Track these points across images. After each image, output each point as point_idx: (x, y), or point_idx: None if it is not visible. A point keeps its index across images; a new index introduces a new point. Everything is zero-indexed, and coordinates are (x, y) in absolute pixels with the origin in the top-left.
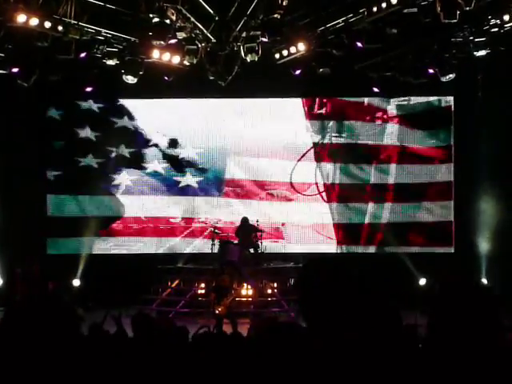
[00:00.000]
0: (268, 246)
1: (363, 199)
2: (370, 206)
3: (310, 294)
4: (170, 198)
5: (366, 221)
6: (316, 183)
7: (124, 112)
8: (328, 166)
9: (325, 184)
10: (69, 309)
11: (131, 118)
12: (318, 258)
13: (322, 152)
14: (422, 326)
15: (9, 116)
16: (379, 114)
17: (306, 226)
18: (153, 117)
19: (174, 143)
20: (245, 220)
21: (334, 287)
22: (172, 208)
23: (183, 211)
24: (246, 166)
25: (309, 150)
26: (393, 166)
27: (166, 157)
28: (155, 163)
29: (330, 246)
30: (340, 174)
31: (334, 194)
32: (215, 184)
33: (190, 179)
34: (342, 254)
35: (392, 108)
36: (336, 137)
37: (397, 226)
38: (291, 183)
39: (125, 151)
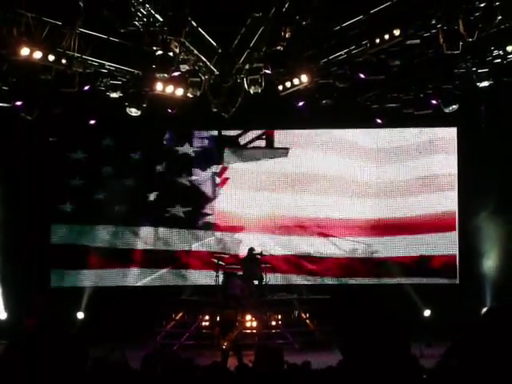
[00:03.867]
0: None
1: (367, 233)
2: (374, 240)
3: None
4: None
5: (370, 254)
6: (316, 217)
7: (130, 145)
8: (329, 201)
9: (327, 218)
10: (77, 342)
11: (136, 150)
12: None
13: (325, 184)
14: (426, 357)
15: (12, 147)
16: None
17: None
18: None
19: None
20: (250, 250)
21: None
22: (180, 241)
23: (191, 244)
24: (254, 201)
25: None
26: (396, 198)
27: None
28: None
29: (334, 279)
30: (340, 208)
31: (338, 228)
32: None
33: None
34: (349, 285)
35: (394, 138)
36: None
37: (400, 258)
38: (296, 217)
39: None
